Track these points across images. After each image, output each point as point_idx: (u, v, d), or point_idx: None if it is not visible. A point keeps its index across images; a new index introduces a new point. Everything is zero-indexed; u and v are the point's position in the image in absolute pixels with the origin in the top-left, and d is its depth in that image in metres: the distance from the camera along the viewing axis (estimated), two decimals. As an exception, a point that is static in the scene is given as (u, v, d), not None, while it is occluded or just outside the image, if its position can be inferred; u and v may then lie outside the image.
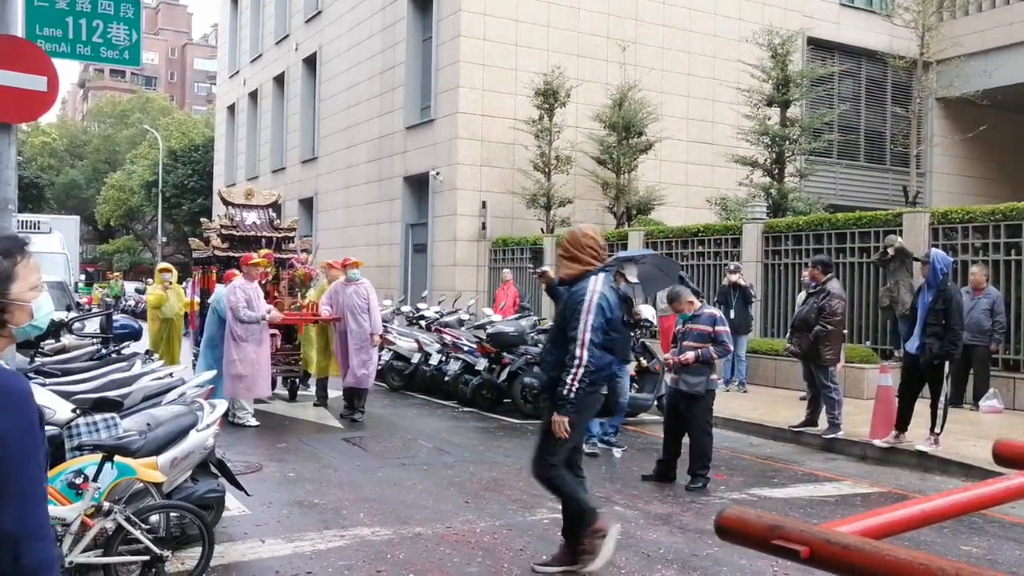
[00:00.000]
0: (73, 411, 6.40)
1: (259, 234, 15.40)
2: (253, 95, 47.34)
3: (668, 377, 10.50)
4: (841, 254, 17.31)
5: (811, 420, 12.52)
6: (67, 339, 12.22)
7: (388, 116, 32.56)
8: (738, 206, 24.42)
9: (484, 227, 28.16)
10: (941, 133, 32.45)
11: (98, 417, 6.37)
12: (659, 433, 13.19)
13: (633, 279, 12.29)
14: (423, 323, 18.69)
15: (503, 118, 28.20)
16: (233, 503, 8.05)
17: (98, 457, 5.63)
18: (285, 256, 15.37)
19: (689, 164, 31.19)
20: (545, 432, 6.71)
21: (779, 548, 1.61)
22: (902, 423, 11.33)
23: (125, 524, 5.54)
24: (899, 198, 29.26)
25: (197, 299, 16.49)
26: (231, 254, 14.85)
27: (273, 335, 14.30)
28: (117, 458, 5.67)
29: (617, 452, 11.57)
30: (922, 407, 11.35)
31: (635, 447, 12.17)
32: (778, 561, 6.67)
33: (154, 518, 6.08)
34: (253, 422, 12.87)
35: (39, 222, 29.57)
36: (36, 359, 9.57)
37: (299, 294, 15.23)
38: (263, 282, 14.10)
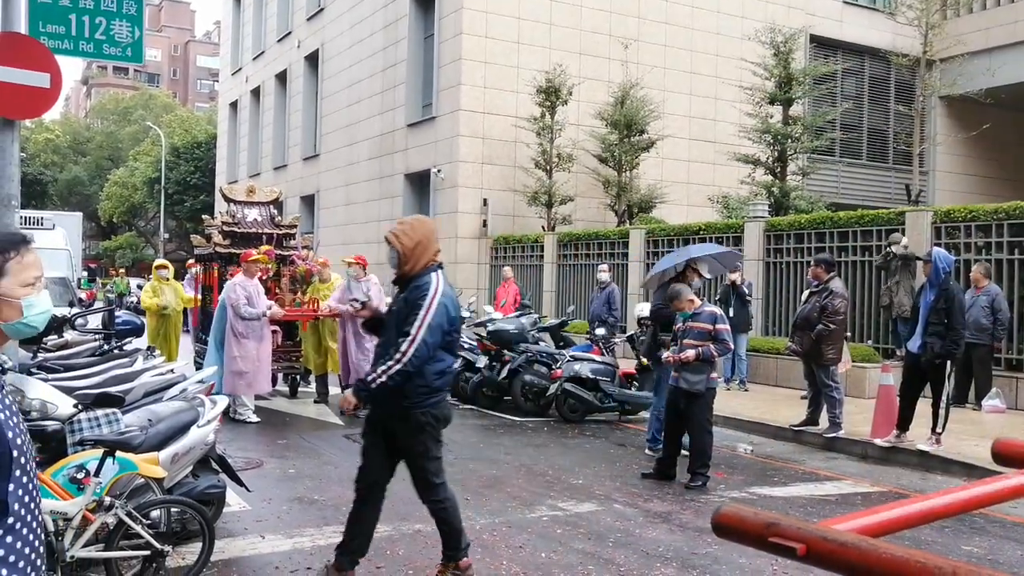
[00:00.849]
0: (75, 406, 6.41)
1: (260, 231, 15.40)
2: (255, 92, 47.39)
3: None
4: (843, 253, 17.29)
5: (812, 419, 12.51)
6: (69, 335, 12.23)
7: (389, 113, 32.58)
8: (740, 204, 24.42)
9: (485, 225, 28.18)
10: (944, 132, 32.45)
11: (100, 412, 6.39)
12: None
13: (706, 275, 12.31)
14: (424, 321, 18.67)
15: (505, 116, 28.22)
16: (234, 499, 8.06)
17: (100, 452, 5.64)
18: (286, 253, 15.37)
19: (691, 162, 31.20)
20: (414, 454, 6.24)
21: (776, 545, 1.61)
22: (903, 422, 11.32)
23: (126, 519, 5.55)
24: (902, 197, 29.27)
25: (199, 296, 16.49)
26: (233, 251, 14.85)
27: (274, 332, 14.31)
28: (119, 453, 5.68)
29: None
30: (924, 406, 11.34)
31: (635, 445, 12.17)
32: (777, 560, 6.67)
33: (155, 513, 6.08)
34: (254, 418, 12.88)
35: (42, 218, 29.61)
36: (39, 355, 9.57)
37: (300, 290, 15.23)
38: (264, 278, 14.10)
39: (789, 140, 23.93)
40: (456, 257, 28.06)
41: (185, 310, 17.37)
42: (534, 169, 27.33)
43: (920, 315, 11.21)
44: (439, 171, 28.74)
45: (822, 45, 33.94)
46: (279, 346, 14.81)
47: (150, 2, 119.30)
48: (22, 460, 2.36)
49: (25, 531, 2.35)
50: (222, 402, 7.47)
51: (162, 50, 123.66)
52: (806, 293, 13.20)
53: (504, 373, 14.53)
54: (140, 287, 46.14)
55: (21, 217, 7.79)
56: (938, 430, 11.22)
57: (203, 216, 18.82)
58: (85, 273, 41.11)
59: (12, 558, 2.31)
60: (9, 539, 2.30)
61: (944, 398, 11.21)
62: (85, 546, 5.45)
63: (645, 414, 14.35)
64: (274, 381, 15.53)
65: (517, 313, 17.17)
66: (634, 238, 22.86)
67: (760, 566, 6.81)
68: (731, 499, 9.08)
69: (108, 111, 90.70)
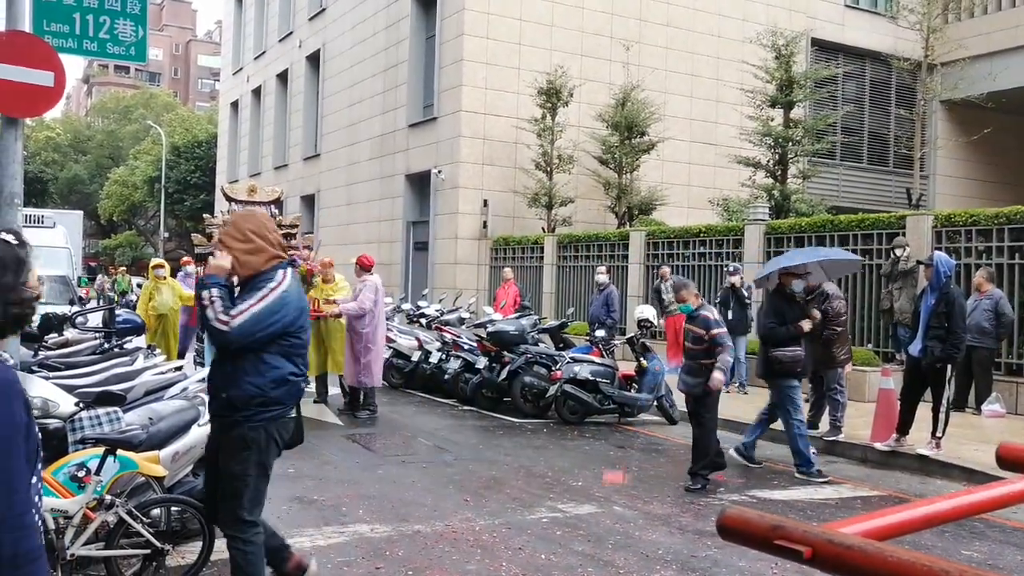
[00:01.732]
0: (76, 405, 6.41)
1: (261, 230, 15.39)
2: (256, 92, 47.40)
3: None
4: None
5: (812, 422, 12.50)
6: (70, 333, 12.21)
7: (391, 114, 32.59)
8: (740, 207, 24.42)
9: (485, 226, 28.19)
10: (945, 136, 32.43)
11: (101, 411, 6.39)
12: (659, 433, 13.24)
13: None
14: (423, 321, 18.70)
15: (506, 117, 28.23)
16: (233, 499, 8.05)
17: (100, 451, 5.65)
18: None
19: (691, 164, 31.20)
20: (229, 474, 5.43)
21: (781, 548, 1.61)
22: (903, 426, 11.32)
23: (127, 517, 5.56)
24: (902, 201, 29.28)
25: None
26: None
27: None
28: (119, 452, 5.69)
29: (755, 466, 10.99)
30: (924, 411, 11.33)
31: (635, 447, 12.17)
32: (777, 563, 6.68)
33: (155, 512, 6.09)
34: None
35: (43, 216, 29.58)
36: (40, 352, 9.57)
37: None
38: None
39: (790, 143, 23.92)
40: (456, 258, 28.08)
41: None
42: (534, 170, 27.34)
43: (921, 319, 11.22)
44: (440, 172, 28.75)
45: (823, 48, 33.95)
46: None
47: (152, 1, 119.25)
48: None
49: None
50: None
51: (163, 49, 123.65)
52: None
53: (504, 374, 14.52)
54: (140, 286, 46.22)
55: (22, 215, 7.78)
56: (938, 434, 11.21)
57: (204, 215, 18.82)
58: (85, 271, 41.07)
59: None
60: None
61: (944, 402, 11.21)
62: (85, 544, 5.47)
63: (644, 416, 14.38)
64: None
65: (517, 314, 17.17)
66: (634, 240, 22.86)
67: (760, 569, 6.81)
68: (730, 502, 9.09)
69: (109, 110, 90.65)
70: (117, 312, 12.53)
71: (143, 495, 6.12)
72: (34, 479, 2.40)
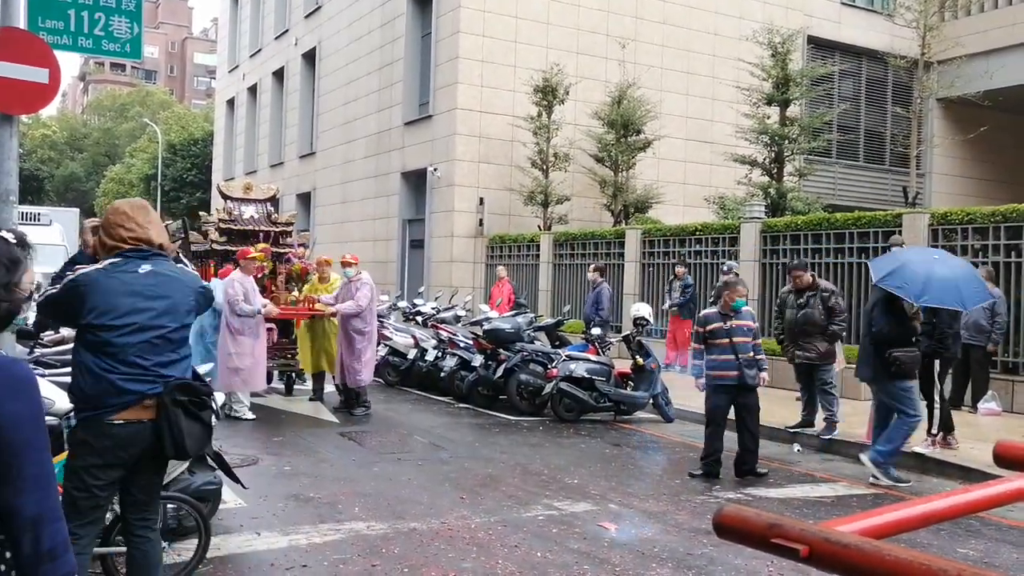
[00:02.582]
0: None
1: (257, 228, 15.39)
2: (252, 90, 47.36)
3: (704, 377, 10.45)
4: (840, 255, 17.29)
5: (808, 421, 12.52)
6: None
7: (386, 112, 32.56)
8: (736, 205, 24.42)
9: (481, 224, 28.17)
10: (941, 134, 32.43)
11: (95, 409, 6.36)
12: (655, 431, 13.24)
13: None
14: (419, 319, 18.69)
15: (502, 115, 28.22)
16: (229, 496, 8.06)
17: (95, 449, 5.62)
18: (282, 251, 15.36)
19: (687, 162, 31.20)
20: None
21: (778, 547, 1.61)
22: None
23: (122, 515, 5.54)
24: (898, 199, 29.28)
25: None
26: (229, 248, 14.84)
27: (270, 329, 14.30)
28: (114, 450, 5.66)
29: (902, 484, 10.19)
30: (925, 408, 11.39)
31: (631, 445, 12.17)
32: (773, 561, 6.68)
33: (150, 510, 6.07)
34: (250, 415, 12.88)
35: (39, 214, 29.55)
36: (35, 350, 9.55)
37: (296, 288, 15.20)
38: (259, 276, 14.09)
39: (786, 141, 23.92)
40: (452, 256, 28.06)
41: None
42: (530, 168, 27.32)
43: None
44: (435, 170, 28.73)
45: (820, 46, 33.94)
46: (275, 344, 14.82)
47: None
48: None
49: None
50: (219, 398, 7.47)
51: (159, 47, 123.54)
52: (786, 298, 12.92)
53: (500, 372, 14.52)
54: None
55: (18, 212, 7.78)
56: (933, 431, 11.24)
57: (200, 213, 18.80)
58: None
59: None
60: None
61: (938, 398, 11.24)
62: (81, 542, 5.44)
63: (640, 414, 14.38)
64: (269, 379, 15.51)
65: (513, 312, 17.16)
66: (630, 238, 22.86)
67: (756, 567, 6.81)
68: (726, 500, 9.09)
69: (105, 107, 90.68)
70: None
71: (138, 493, 6.10)
72: None
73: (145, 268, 4.87)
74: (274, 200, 16.38)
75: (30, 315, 10.88)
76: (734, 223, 20.52)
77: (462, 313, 19.14)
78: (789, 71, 24.38)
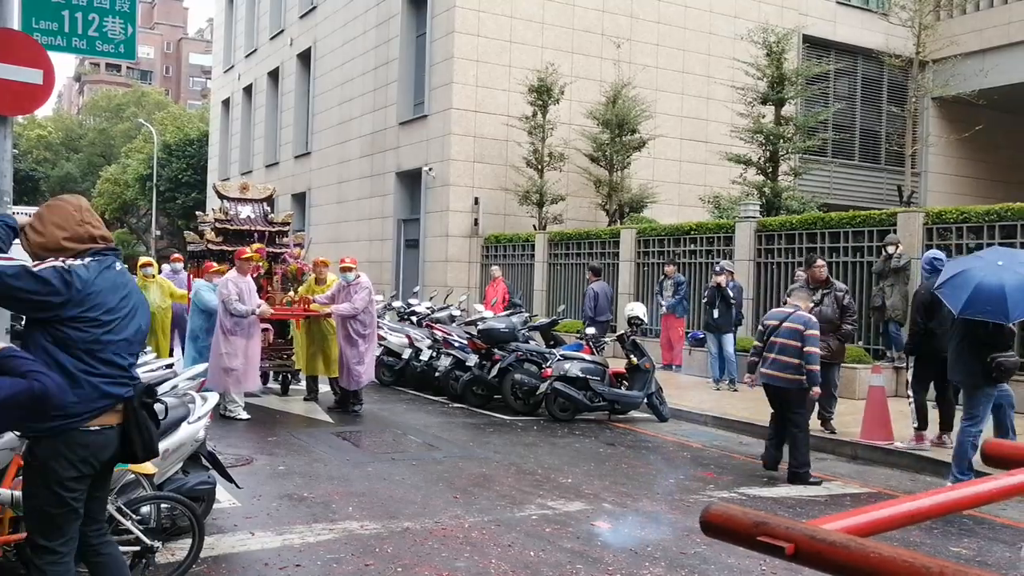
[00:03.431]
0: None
1: (253, 228, 15.40)
2: (247, 90, 47.32)
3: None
4: (835, 254, 17.30)
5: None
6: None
7: (381, 112, 32.56)
8: (731, 204, 24.42)
9: (476, 223, 28.17)
10: (936, 133, 32.48)
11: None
12: (649, 431, 13.25)
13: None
14: (414, 319, 18.69)
15: (496, 114, 28.21)
16: (223, 495, 8.06)
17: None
18: (278, 251, 15.35)
19: (682, 162, 31.21)
20: (24, 493, 4.68)
21: (764, 545, 1.61)
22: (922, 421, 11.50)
23: (116, 514, 5.55)
24: (893, 198, 29.32)
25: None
26: (225, 248, 14.84)
27: (266, 330, 14.29)
28: (107, 450, 5.66)
29: None
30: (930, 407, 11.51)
31: (625, 444, 12.18)
32: (765, 560, 6.68)
33: (145, 509, 6.08)
34: (244, 415, 12.88)
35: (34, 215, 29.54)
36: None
37: (292, 289, 15.17)
38: (255, 276, 14.07)
39: (781, 140, 23.91)
40: (447, 256, 28.05)
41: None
42: (525, 168, 27.32)
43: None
44: (430, 170, 28.72)
45: (815, 45, 33.93)
46: (271, 344, 14.82)
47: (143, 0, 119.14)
48: None
49: None
50: (213, 399, 7.47)
51: (155, 47, 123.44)
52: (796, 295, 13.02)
53: (494, 372, 14.54)
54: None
55: (13, 213, 7.77)
56: (913, 424, 11.34)
57: (197, 212, 18.81)
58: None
59: None
60: None
61: (909, 391, 11.49)
62: (73, 543, 5.44)
63: (635, 413, 14.40)
64: (265, 379, 15.52)
65: (507, 312, 17.18)
66: (625, 238, 22.87)
67: (749, 566, 6.82)
68: (720, 499, 9.09)
69: (100, 108, 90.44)
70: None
71: (133, 492, 6.11)
72: None
73: (119, 266, 4.78)
74: (270, 200, 16.39)
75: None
76: (729, 222, 20.53)
77: (457, 313, 19.15)
78: (784, 70, 24.37)
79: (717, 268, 17.27)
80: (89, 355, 4.49)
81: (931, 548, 7.40)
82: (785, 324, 10.19)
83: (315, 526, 7.56)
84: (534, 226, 27.19)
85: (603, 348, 15.20)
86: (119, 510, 5.59)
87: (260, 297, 13.73)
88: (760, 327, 10.74)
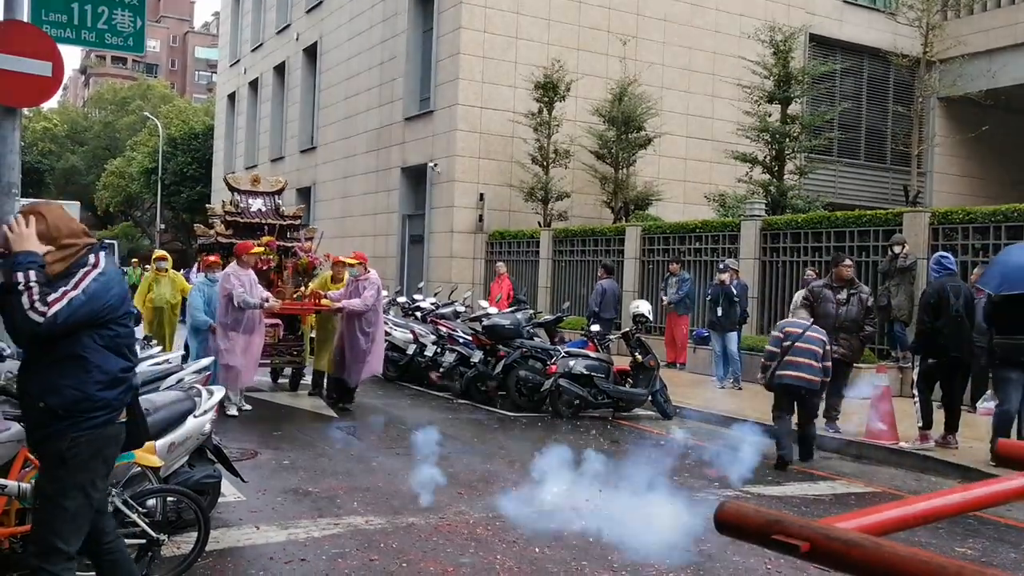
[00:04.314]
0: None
1: (264, 221, 15.29)
2: (253, 84, 47.34)
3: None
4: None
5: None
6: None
7: (387, 107, 32.56)
8: (736, 203, 24.41)
9: (481, 220, 28.17)
10: (943, 133, 32.43)
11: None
12: (653, 428, 13.25)
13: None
14: (419, 314, 18.69)
15: (502, 111, 28.21)
16: (229, 489, 8.07)
17: (95, 442, 5.64)
18: (289, 244, 15.25)
19: (688, 160, 31.19)
20: (44, 493, 4.63)
21: (778, 543, 1.61)
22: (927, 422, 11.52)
23: (122, 507, 5.56)
24: (899, 197, 29.26)
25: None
26: (235, 240, 14.64)
27: (275, 325, 14.22)
28: (114, 442, 5.67)
29: None
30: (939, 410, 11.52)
31: (629, 441, 12.17)
32: (771, 558, 6.69)
33: (151, 502, 6.09)
34: (233, 412, 12.65)
35: (38, 207, 29.55)
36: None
37: (303, 283, 15.03)
38: (264, 269, 13.97)
39: (787, 139, 23.88)
40: (452, 252, 28.06)
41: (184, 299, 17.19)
42: (531, 165, 27.31)
43: None
44: (435, 165, 28.71)
45: (821, 44, 33.89)
46: (281, 340, 14.71)
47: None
48: None
49: None
50: (219, 392, 7.49)
51: (160, 41, 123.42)
52: (802, 293, 13.04)
53: (499, 368, 14.53)
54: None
55: (20, 205, 7.79)
56: (918, 424, 11.34)
57: (207, 205, 18.75)
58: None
59: None
60: None
61: (914, 390, 11.51)
62: (80, 535, 5.45)
63: (639, 411, 14.39)
64: (275, 376, 15.50)
65: (512, 308, 17.17)
66: (630, 235, 22.87)
67: (754, 564, 6.82)
68: (724, 497, 9.09)
69: (106, 101, 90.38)
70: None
71: (139, 485, 6.11)
72: None
73: (114, 261, 4.76)
74: (281, 192, 16.30)
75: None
76: (734, 221, 20.54)
77: (461, 309, 19.15)
78: (790, 69, 24.33)
79: (721, 266, 17.27)
80: (119, 353, 4.59)
81: (936, 549, 7.39)
82: (808, 334, 10.78)
83: (320, 520, 7.56)
84: (539, 223, 27.19)
85: (608, 345, 15.19)
86: (125, 503, 5.59)
87: (270, 291, 13.64)
88: (779, 334, 11.04)
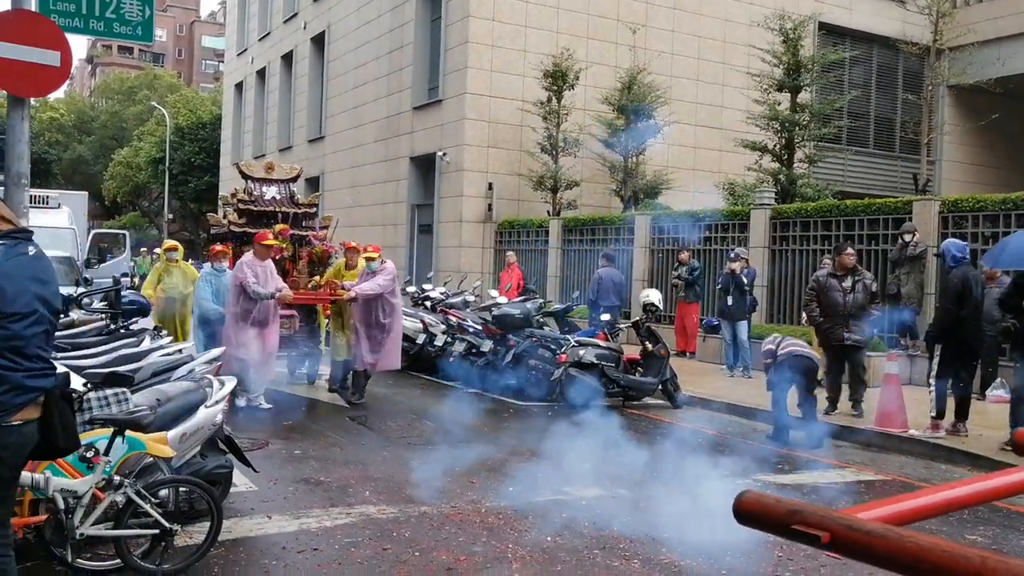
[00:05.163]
0: (84, 385, 6.42)
1: (278, 209, 15.06)
2: (261, 73, 47.29)
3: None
4: (849, 241, 17.24)
5: (835, 402, 12.74)
6: (75, 314, 12.21)
7: (396, 96, 32.53)
8: (746, 191, 24.37)
9: (490, 209, 28.15)
10: (952, 121, 32.35)
11: (109, 391, 6.40)
12: (663, 417, 13.26)
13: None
14: (428, 304, 18.69)
15: (511, 99, 28.17)
16: (240, 479, 8.09)
17: (109, 431, 5.67)
18: (303, 233, 15.09)
19: (697, 148, 31.13)
20: None
21: (798, 533, 1.61)
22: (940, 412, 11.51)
23: (135, 498, 5.58)
24: (909, 186, 29.21)
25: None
26: (248, 229, 14.48)
27: (291, 316, 14.06)
28: (128, 432, 5.70)
29: None
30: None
31: (638, 430, 12.17)
32: (783, 546, 6.69)
33: (163, 492, 6.11)
34: (241, 403, 12.45)
35: (48, 197, 29.60)
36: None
37: (318, 273, 14.82)
38: (278, 258, 13.75)
39: (796, 127, 23.81)
40: (461, 241, 28.06)
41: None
42: (540, 154, 27.28)
43: None
44: (444, 155, 28.70)
45: (831, 32, 33.77)
46: (297, 331, 14.51)
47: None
48: None
49: None
50: (230, 383, 7.51)
51: (167, 30, 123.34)
52: (827, 280, 12.95)
53: (509, 357, 14.54)
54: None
55: (28, 196, 7.81)
56: (931, 414, 11.33)
57: (221, 194, 18.69)
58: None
59: None
60: None
61: (930, 380, 11.43)
62: (95, 524, 5.49)
63: (649, 399, 14.39)
64: (293, 368, 15.37)
65: (522, 298, 17.18)
66: (639, 224, 22.85)
67: (766, 552, 6.82)
68: (736, 485, 9.08)
69: (113, 90, 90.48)
70: (123, 293, 12.49)
71: (151, 476, 6.14)
72: None
73: (32, 250, 4.57)
74: (296, 180, 16.06)
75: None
76: (744, 209, 20.50)
77: (471, 298, 19.15)
78: (800, 57, 24.25)
79: (732, 255, 17.26)
80: (10, 350, 4.34)
81: (947, 536, 7.34)
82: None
83: (332, 510, 7.58)
84: (548, 212, 27.16)
85: (618, 334, 15.18)
86: (138, 493, 5.61)
87: (285, 281, 13.45)
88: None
